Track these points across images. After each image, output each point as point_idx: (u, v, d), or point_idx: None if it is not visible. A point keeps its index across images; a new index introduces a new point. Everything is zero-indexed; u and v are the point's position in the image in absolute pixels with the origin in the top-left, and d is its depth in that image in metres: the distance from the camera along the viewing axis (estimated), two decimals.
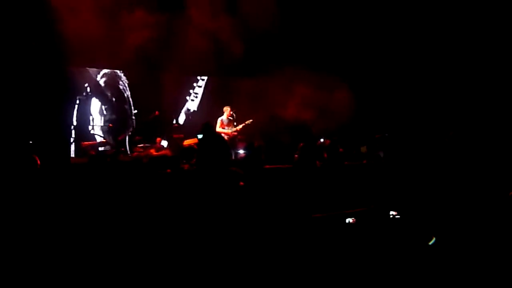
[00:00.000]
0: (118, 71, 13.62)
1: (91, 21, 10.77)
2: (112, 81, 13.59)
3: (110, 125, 12.88)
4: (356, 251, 3.43)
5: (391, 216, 5.18)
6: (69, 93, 12.09)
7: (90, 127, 12.88)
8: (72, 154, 11.81)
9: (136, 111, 13.63)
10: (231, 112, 11.34)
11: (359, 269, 3.43)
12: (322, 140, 12.51)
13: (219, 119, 11.36)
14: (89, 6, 10.77)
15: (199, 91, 14.58)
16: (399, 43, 12.53)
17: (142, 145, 11.78)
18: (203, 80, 14.61)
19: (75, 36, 10.58)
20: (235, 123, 11.35)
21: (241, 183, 8.16)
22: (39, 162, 8.33)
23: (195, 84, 14.63)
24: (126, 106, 13.74)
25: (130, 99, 13.80)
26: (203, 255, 3.33)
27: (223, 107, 11.54)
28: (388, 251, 3.48)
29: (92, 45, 11.00)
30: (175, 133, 12.45)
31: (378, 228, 4.07)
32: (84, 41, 10.67)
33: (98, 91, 13.26)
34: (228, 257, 3.39)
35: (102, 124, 13.10)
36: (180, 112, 14.38)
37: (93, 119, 13.08)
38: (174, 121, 13.56)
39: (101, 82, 13.39)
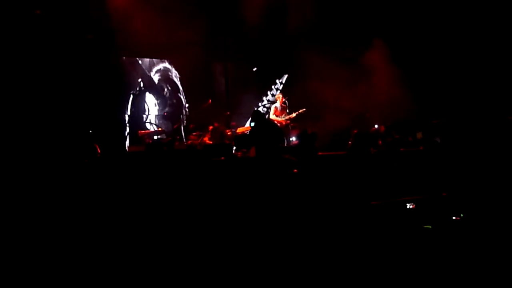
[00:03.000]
0: (168, 65, 13.94)
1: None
2: (165, 75, 13.95)
3: (165, 113, 13.27)
4: (417, 240, 3.35)
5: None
6: (123, 87, 12.70)
7: (145, 117, 13.28)
8: (128, 143, 12.20)
9: (187, 103, 13.99)
10: (284, 99, 11.28)
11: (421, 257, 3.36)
12: (376, 126, 12.25)
13: (273, 106, 11.35)
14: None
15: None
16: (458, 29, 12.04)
17: (196, 133, 11.97)
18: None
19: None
20: (287, 111, 11.30)
21: (295, 170, 8.18)
22: (99, 150, 8.70)
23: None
24: (180, 96, 14.07)
25: (182, 90, 14.11)
26: (262, 238, 3.36)
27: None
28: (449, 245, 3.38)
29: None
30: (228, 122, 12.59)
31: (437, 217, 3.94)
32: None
33: (151, 86, 13.64)
34: (287, 242, 3.41)
35: (157, 113, 13.47)
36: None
37: (148, 109, 13.46)
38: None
39: (155, 77, 13.76)
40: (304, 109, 11.26)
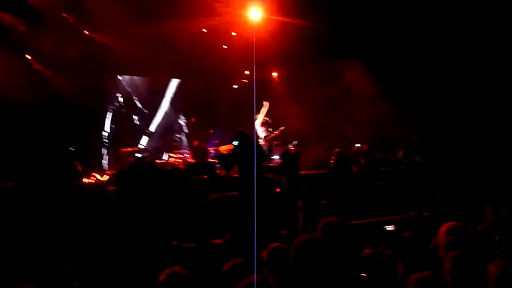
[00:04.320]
0: (148, 84, 14.06)
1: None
2: (146, 92, 14.03)
3: (148, 131, 13.25)
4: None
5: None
6: (103, 103, 12.68)
7: (127, 135, 13.26)
8: (108, 161, 12.12)
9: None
10: (266, 119, 11.38)
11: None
12: (359, 145, 12.37)
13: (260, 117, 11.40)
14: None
15: None
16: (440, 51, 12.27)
17: (178, 151, 11.94)
18: None
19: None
20: (270, 129, 11.36)
21: (277, 190, 8.20)
22: (80, 168, 8.60)
23: None
24: (162, 115, 14.11)
25: (166, 108, 14.17)
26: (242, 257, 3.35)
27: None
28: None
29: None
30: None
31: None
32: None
33: (131, 102, 13.65)
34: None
35: (140, 131, 13.45)
36: None
37: (130, 127, 13.45)
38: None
39: (134, 94, 13.83)
40: (283, 128, 11.40)
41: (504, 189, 6.16)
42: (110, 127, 12.97)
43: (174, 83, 14.29)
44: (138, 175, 7.73)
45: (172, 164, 11.38)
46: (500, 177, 7.31)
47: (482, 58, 11.48)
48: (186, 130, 13.69)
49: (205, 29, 13.43)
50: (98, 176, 10.74)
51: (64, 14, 11.10)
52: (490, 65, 11.38)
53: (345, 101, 12.83)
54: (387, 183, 9.13)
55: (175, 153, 11.86)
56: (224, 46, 13.03)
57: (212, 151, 11.83)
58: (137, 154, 11.98)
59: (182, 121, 13.93)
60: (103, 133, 12.64)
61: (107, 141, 12.49)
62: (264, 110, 11.32)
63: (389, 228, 3.72)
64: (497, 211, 4.78)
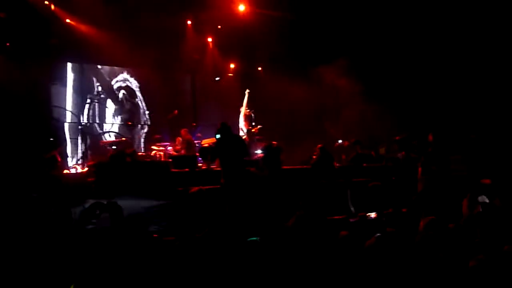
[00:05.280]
0: (127, 74, 13.94)
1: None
2: (125, 83, 13.92)
3: (129, 123, 13.17)
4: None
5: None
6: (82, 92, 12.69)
7: (105, 125, 13.17)
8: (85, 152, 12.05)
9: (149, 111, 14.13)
10: (250, 112, 11.30)
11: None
12: (340, 141, 12.43)
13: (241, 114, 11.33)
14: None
15: None
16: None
17: (160, 143, 11.85)
18: None
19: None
20: (253, 123, 11.32)
21: (258, 184, 8.18)
22: (59, 159, 8.47)
23: None
24: (139, 104, 14.03)
25: (142, 100, 14.13)
26: (226, 253, 3.32)
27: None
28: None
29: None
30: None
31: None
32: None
33: (110, 92, 13.54)
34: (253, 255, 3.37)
35: (119, 123, 13.36)
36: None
37: (112, 117, 13.36)
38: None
39: (115, 85, 13.67)
40: (260, 126, 11.39)
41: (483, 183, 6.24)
42: (88, 116, 12.87)
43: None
44: (119, 166, 7.65)
45: (152, 157, 11.28)
46: (482, 173, 7.39)
47: (467, 54, 11.62)
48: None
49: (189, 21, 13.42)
50: (79, 168, 10.62)
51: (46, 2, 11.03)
52: (475, 61, 11.52)
53: (328, 98, 12.92)
54: (369, 179, 9.19)
55: (157, 146, 11.76)
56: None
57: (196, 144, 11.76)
58: (115, 146, 11.84)
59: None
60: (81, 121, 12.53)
61: (84, 131, 12.35)
62: (245, 99, 11.24)
63: (372, 215, 3.83)
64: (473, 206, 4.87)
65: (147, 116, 14.20)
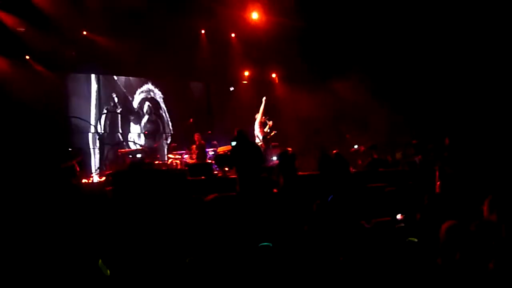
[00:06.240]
0: (150, 85, 14.10)
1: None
2: (146, 93, 14.15)
3: (145, 132, 13.34)
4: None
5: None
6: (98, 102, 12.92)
7: (124, 135, 13.35)
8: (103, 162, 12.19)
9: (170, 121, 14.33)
10: (265, 119, 11.36)
11: None
12: (356, 146, 12.39)
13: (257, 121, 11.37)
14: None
15: None
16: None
17: (176, 152, 11.96)
18: None
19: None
20: (268, 130, 11.36)
21: (275, 190, 8.20)
22: (78, 168, 8.61)
23: None
24: (162, 114, 14.20)
25: (165, 109, 14.24)
26: (242, 260, 3.36)
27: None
28: None
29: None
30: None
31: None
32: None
33: (128, 103, 13.75)
34: (269, 262, 3.40)
35: (138, 132, 13.53)
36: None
37: (129, 127, 13.54)
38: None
39: (139, 96, 13.95)
40: (275, 132, 11.44)
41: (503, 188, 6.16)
42: (105, 127, 13.06)
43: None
44: (136, 175, 7.74)
45: (169, 165, 11.39)
46: (498, 176, 7.31)
47: (475, 56, 11.52)
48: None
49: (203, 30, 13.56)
50: (97, 177, 10.77)
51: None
52: (483, 64, 11.41)
53: (343, 103, 12.89)
54: (385, 184, 9.13)
55: (173, 154, 11.87)
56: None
57: (210, 152, 11.85)
58: (136, 155, 12.00)
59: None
60: (99, 132, 12.71)
61: (102, 141, 12.53)
62: (262, 106, 11.31)
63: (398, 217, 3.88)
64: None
65: (171, 127, 14.42)
